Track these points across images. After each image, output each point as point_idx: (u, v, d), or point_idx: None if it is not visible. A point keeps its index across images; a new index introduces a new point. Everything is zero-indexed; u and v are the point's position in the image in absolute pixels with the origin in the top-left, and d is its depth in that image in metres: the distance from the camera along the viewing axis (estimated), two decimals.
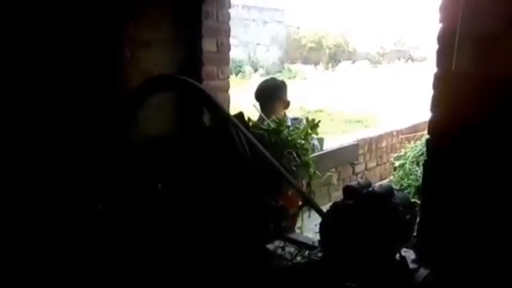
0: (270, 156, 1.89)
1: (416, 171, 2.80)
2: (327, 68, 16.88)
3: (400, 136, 4.40)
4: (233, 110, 2.32)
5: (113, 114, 2.26)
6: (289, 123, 2.95)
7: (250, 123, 2.23)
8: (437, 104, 1.80)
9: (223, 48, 2.80)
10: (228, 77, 2.90)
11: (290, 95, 3.18)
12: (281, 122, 2.27)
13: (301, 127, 2.63)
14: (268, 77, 15.40)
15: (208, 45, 2.70)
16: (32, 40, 2.13)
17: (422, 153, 2.94)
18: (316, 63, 17.09)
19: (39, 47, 2.15)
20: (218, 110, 1.89)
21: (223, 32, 2.78)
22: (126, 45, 2.43)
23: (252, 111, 2.68)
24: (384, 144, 4.61)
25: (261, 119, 2.72)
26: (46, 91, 2.19)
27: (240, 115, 1.98)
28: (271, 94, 3.01)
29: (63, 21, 2.20)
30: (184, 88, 2.04)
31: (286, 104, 3.05)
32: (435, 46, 1.82)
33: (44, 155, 2.15)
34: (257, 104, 3.00)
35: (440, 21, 1.79)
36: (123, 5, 2.36)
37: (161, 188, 2.08)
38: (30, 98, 2.15)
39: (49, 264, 1.95)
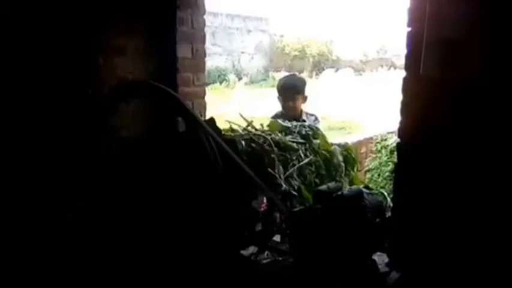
0: (241, 162, 1.88)
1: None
2: (311, 76, 16.93)
3: (376, 142, 4.43)
4: (219, 119, 2.32)
5: (86, 120, 2.24)
6: (304, 117, 3.13)
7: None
8: (406, 107, 1.81)
9: (199, 54, 2.79)
10: (204, 83, 2.89)
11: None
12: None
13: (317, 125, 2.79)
14: (253, 85, 15.39)
15: (184, 51, 2.69)
16: (3, 47, 2.11)
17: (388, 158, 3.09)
18: (300, 71, 17.11)
19: (11, 55, 2.13)
20: (189, 116, 1.88)
21: (198, 39, 2.77)
22: (99, 52, 2.41)
23: (237, 118, 2.66)
24: (363, 150, 4.63)
25: (280, 116, 2.99)
26: (18, 99, 2.16)
27: (212, 121, 1.97)
28: (299, 89, 3.15)
29: (36, 29, 2.17)
30: (156, 94, 2.02)
31: (305, 99, 3.21)
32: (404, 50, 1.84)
33: (14, 162, 2.12)
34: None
35: (408, 25, 1.81)
36: (95, 12, 2.35)
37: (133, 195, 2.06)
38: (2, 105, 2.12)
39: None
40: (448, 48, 1.64)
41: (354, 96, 12.48)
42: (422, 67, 1.73)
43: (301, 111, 3.19)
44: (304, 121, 3.16)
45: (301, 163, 2.37)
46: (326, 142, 2.59)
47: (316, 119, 3.28)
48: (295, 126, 2.63)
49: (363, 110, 10.79)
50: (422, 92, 1.75)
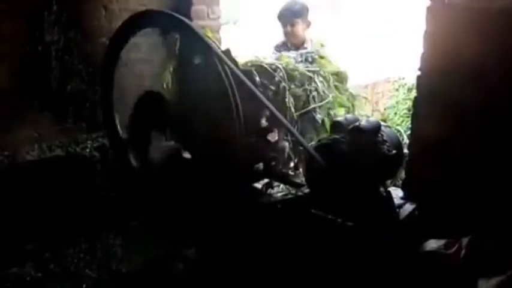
0: (258, 92, 1.85)
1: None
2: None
3: (394, 81, 4.36)
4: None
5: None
6: (307, 45, 3.02)
7: None
8: (429, 37, 1.75)
9: None
10: (219, 17, 2.82)
11: None
12: None
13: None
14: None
15: None
16: None
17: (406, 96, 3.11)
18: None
19: None
20: (205, 46, 1.83)
21: None
22: None
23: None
24: (380, 89, 4.55)
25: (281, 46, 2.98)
26: None
27: (228, 52, 1.92)
28: (298, 13, 3.03)
29: None
30: (171, 24, 1.97)
31: (308, 24, 3.08)
32: None
33: None
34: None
35: None
36: None
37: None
38: None
39: None
40: None
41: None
42: None
43: (304, 38, 3.08)
44: (306, 48, 3.06)
45: (323, 102, 2.30)
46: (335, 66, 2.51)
47: (322, 45, 3.17)
48: (301, 54, 2.54)
49: (381, 50, 10.51)
50: (447, 20, 1.68)
